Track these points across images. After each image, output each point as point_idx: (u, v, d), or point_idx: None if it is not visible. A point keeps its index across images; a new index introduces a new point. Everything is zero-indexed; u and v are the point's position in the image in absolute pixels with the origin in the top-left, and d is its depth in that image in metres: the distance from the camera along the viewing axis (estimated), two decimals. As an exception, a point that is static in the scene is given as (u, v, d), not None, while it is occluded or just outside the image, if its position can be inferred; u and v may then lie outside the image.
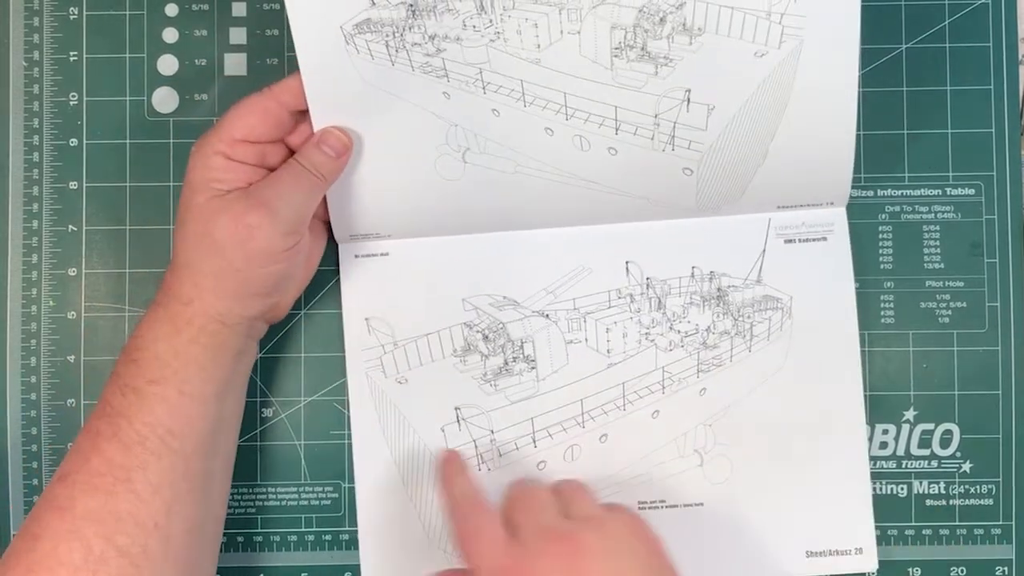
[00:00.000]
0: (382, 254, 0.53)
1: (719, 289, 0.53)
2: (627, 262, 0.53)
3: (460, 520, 0.47)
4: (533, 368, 0.53)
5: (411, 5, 0.46)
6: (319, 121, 0.48)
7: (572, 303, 0.53)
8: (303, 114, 0.48)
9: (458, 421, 0.53)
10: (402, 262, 0.53)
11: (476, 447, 0.53)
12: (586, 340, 0.53)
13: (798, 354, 0.53)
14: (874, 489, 0.53)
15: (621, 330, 0.53)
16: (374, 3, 0.46)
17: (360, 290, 0.53)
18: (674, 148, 0.50)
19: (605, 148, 0.50)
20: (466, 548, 0.46)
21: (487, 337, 0.53)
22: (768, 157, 0.50)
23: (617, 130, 0.49)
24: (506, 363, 0.53)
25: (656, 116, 0.49)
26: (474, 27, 0.47)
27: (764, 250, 0.53)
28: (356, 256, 0.53)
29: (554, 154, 0.50)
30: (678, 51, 0.47)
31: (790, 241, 0.53)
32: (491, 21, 0.47)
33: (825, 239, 0.53)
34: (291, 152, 0.49)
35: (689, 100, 0.48)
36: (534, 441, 0.53)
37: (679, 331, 0.53)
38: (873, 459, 0.54)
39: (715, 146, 0.50)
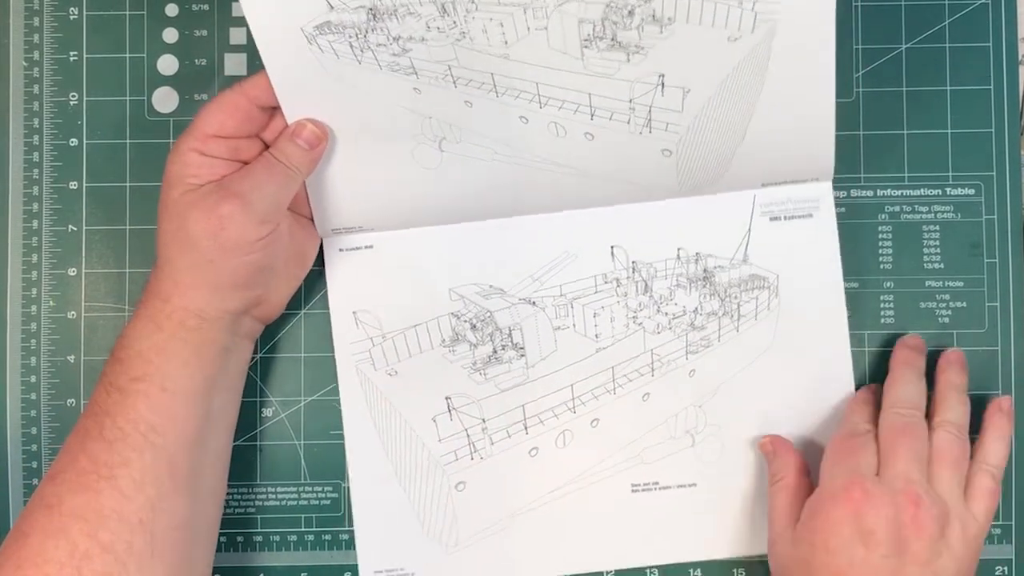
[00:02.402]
0: (366, 247, 0.53)
1: (705, 270, 0.53)
2: (612, 246, 0.53)
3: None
4: (522, 356, 0.53)
5: (371, 9, 0.46)
6: (291, 115, 0.48)
7: (559, 289, 0.53)
8: (277, 108, 0.48)
9: (449, 411, 0.53)
10: (387, 254, 0.53)
11: (468, 436, 0.53)
12: (574, 326, 0.53)
13: (786, 332, 0.53)
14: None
15: (608, 315, 0.53)
16: (332, 7, 0.46)
17: (346, 284, 0.53)
18: (651, 131, 0.50)
19: (582, 134, 0.50)
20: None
21: (475, 326, 0.53)
22: (747, 135, 0.50)
23: (592, 116, 0.49)
24: (495, 351, 0.53)
25: (631, 101, 0.49)
26: (438, 28, 0.47)
27: (749, 229, 0.53)
28: (340, 250, 0.53)
29: (530, 141, 0.50)
30: (649, 39, 0.47)
31: (775, 219, 0.53)
32: (455, 23, 0.46)
33: (811, 216, 0.53)
34: (267, 147, 0.49)
35: (663, 84, 0.48)
36: (526, 428, 0.53)
37: (666, 314, 0.53)
38: (873, 459, 0.54)
39: (692, 127, 0.49)
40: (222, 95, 0.47)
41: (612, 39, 0.47)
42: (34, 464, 0.54)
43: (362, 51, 0.47)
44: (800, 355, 0.53)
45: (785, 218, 0.53)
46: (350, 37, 0.46)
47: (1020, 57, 0.54)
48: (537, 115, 0.49)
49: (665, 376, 0.53)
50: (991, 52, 0.54)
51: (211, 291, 0.46)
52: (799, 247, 0.53)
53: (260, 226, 0.46)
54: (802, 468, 0.50)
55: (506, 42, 0.47)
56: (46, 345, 0.54)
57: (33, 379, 0.54)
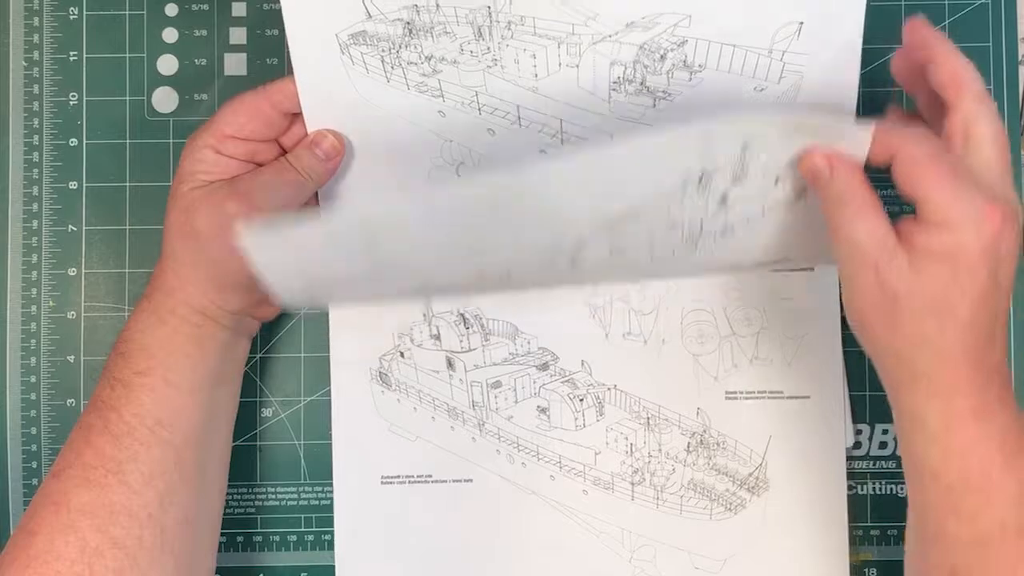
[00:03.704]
0: None
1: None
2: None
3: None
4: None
5: (408, 23, 0.46)
6: (313, 124, 0.48)
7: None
8: (298, 115, 0.48)
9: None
10: None
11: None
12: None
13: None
14: (873, 489, 0.54)
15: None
16: (370, 16, 0.46)
17: None
18: None
19: None
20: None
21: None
22: None
23: None
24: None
25: None
26: (471, 52, 0.47)
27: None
28: None
29: None
30: (677, 86, 0.47)
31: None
32: (489, 48, 0.46)
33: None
34: (284, 151, 0.49)
35: None
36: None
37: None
38: (872, 459, 0.54)
39: None
40: (245, 96, 0.47)
41: (641, 83, 0.47)
42: (34, 464, 0.54)
43: (392, 68, 0.47)
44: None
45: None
46: (383, 51, 0.46)
47: (1020, 57, 0.54)
48: (557, 151, 0.49)
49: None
50: (991, 52, 0.54)
51: (215, 290, 0.46)
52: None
53: None
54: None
55: (536, 75, 0.47)
56: (46, 345, 0.54)
57: (33, 379, 0.54)
